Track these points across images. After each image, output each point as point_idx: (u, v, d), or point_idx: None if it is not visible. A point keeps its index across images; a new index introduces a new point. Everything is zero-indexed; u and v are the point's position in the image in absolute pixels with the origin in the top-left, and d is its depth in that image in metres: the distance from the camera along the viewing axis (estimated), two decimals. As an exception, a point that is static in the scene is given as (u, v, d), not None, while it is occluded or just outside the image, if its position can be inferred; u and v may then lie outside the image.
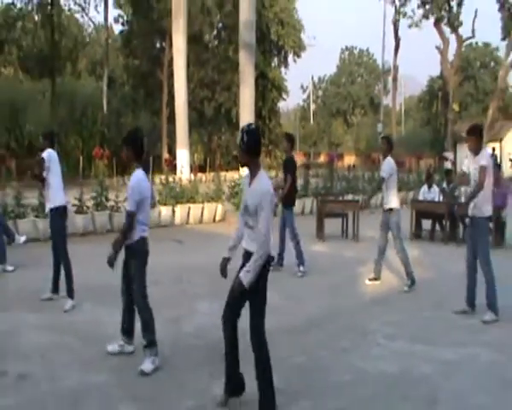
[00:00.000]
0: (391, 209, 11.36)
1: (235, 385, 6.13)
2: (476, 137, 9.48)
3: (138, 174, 7.27)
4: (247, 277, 5.58)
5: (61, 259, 9.93)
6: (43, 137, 10.54)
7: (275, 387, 5.77)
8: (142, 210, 7.26)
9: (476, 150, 9.43)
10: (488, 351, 8.02)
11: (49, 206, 9.98)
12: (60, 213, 10.10)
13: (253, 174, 5.83)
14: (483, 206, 9.43)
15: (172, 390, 6.60)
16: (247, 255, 5.78)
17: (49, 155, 9.98)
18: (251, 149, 5.74)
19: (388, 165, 11.36)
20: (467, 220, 10.00)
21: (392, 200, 11.37)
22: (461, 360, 7.65)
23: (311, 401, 6.39)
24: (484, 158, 9.39)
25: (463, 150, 9.60)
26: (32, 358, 7.53)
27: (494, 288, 9.43)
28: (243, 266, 5.81)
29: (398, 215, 11.44)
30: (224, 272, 6.14)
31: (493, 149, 25.71)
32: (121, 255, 7.45)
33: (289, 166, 12.90)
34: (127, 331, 7.64)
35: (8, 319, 9.19)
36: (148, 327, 7.22)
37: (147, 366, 7.04)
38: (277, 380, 5.89)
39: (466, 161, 9.89)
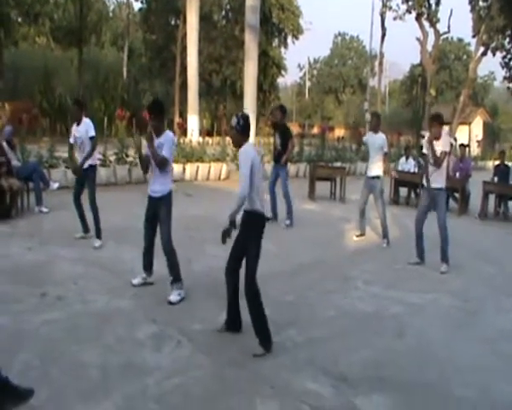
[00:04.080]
0: (377, 177, 11.60)
1: (232, 323, 6.47)
2: (439, 124, 9.79)
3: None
4: (230, 216, 6.03)
5: (92, 207, 10.15)
6: (78, 105, 10.39)
7: (268, 318, 6.10)
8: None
9: (437, 135, 9.73)
10: (447, 297, 8.42)
11: (90, 162, 10.15)
12: (95, 170, 10.48)
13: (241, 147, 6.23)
14: (443, 179, 9.82)
15: (185, 316, 6.93)
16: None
17: (91, 122, 10.23)
18: (244, 132, 6.17)
19: (385, 140, 11.61)
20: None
21: (379, 169, 11.59)
22: (425, 303, 8.03)
23: (298, 330, 6.73)
24: (447, 144, 9.79)
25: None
26: (66, 284, 7.86)
27: (448, 246, 9.85)
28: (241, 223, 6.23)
29: (382, 182, 11.72)
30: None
31: (455, 139, 25.97)
32: (144, 203, 7.77)
33: (288, 132, 13.30)
34: (148, 267, 7.94)
35: (46, 251, 9.54)
36: (175, 266, 7.51)
37: (174, 297, 7.37)
38: (269, 313, 6.17)
39: (424, 143, 10.16)
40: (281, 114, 13.29)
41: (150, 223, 7.69)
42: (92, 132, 10.11)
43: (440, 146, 9.67)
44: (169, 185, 7.58)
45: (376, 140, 11.56)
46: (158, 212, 7.54)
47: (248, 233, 6.11)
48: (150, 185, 7.69)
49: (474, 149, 41.81)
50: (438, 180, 9.80)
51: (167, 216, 7.53)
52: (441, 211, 9.91)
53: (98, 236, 10.11)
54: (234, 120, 6.17)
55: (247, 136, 6.23)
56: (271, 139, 13.74)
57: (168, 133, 7.57)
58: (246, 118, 6.25)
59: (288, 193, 12.89)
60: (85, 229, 10.55)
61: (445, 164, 9.80)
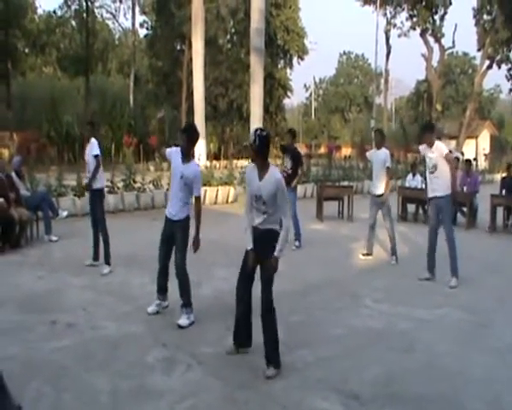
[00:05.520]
0: (383, 194, 11.58)
1: (242, 342, 6.50)
2: (430, 133, 9.94)
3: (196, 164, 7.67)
4: (280, 253, 5.92)
5: (101, 231, 10.25)
6: (90, 126, 10.59)
7: (279, 339, 6.12)
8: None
9: (431, 143, 9.86)
10: (457, 310, 8.41)
11: (97, 186, 10.23)
12: (103, 193, 10.53)
13: (263, 170, 6.04)
14: (445, 187, 9.83)
15: (194, 340, 6.95)
16: (263, 233, 6.09)
17: (98, 143, 10.31)
18: (260, 151, 6.00)
19: (388, 155, 11.60)
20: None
21: (383, 186, 11.57)
22: (434, 318, 8.02)
23: (309, 349, 6.73)
24: (445, 149, 9.84)
25: (445, 145, 10.06)
26: (76, 311, 7.90)
27: (456, 259, 9.86)
28: (255, 243, 6.14)
29: (388, 199, 11.72)
30: (252, 263, 6.22)
31: (462, 153, 25.99)
32: (160, 225, 7.82)
33: (299, 156, 13.30)
34: (162, 290, 7.91)
35: (56, 280, 9.59)
36: (187, 291, 7.51)
37: (183, 321, 7.38)
38: (281, 333, 6.19)
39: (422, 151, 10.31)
40: (290, 138, 13.37)
41: (165, 245, 7.69)
42: (95, 151, 10.23)
43: (435, 153, 9.77)
44: (187, 210, 7.61)
45: (379, 156, 11.59)
46: (174, 235, 7.57)
47: (268, 251, 6.00)
48: (168, 207, 7.74)
49: (482, 163, 41.76)
50: (438, 189, 9.82)
51: (183, 241, 7.53)
52: (446, 222, 9.95)
53: (107, 261, 10.17)
54: (251, 138, 6.03)
55: (265, 156, 6.07)
56: (278, 161, 13.78)
57: (195, 166, 7.58)
58: (262, 137, 5.99)
59: (296, 216, 12.91)
60: (95, 256, 10.58)
61: (446, 171, 9.79)
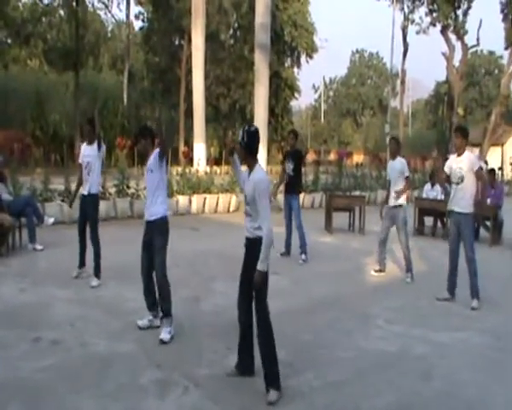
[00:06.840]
0: (400, 205, 11.61)
1: (245, 367, 6.48)
2: (463, 137, 9.78)
3: None
4: (263, 265, 5.80)
5: (93, 240, 10.22)
6: (90, 124, 10.29)
7: (283, 360, 6.11)
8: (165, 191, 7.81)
9: (461, 149, 9.78)
10: (478, 335, 8.37)
11: (91, 190, 10.18)
12: (98, 198, 10.53)
13: (250, 168, 6.11)
14: (469, 203, 9.78)
15: (191, 360, 6.93)
16: (248, 242, 6.09)
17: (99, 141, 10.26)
18: (249, 148, 6.04)
19: (405, 164, 11.65)
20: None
21: (401, 197, 11.56)
22: (454, 343, 7.98)
23: (316, 373, 6.70)
24: (477, 163, 9.78)
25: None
26: (62, 327, 7.89)
27: (477, 279, 9.80)
28: (246, 252, 6.15)
29: (405, 211, 11.71)
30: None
31: (486, 162, 25.87)
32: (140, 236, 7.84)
33: (299, 155, 13.44)
34: (153, 308, 7.95)
35: (40, 292, 9.58)
36: (167, 299, 7.56)
37: (165, 335, 7.45)
38: (285, 354, 6.22)
39: (448, 163, 10.17)
40: (293, 139, 13.44)
41: (146, 251, 7.75)
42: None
43: (464, 164, 9.69)
44: (163, 209, 7.68)
45: (395, 166, 11.60)
46: (153, 239, 7.63)
47: (256, 263, 5.90)
48: (145, 209, 7.83)
49: (508, 173, 41.64)
50: (461, 204, 9.74)
51: (161, 243, 7.60)
52: (467, 240, 9.83)
53: (97, 274, 10.17)
54: (239, 134, 6.10)
55: (254, 154, 6.12)
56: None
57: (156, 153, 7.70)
58: (251, 133, 6.06)
59: (301, 226, 12.92)
60: (81, 263, 10.59)
61: (471, 187, 9.76)
